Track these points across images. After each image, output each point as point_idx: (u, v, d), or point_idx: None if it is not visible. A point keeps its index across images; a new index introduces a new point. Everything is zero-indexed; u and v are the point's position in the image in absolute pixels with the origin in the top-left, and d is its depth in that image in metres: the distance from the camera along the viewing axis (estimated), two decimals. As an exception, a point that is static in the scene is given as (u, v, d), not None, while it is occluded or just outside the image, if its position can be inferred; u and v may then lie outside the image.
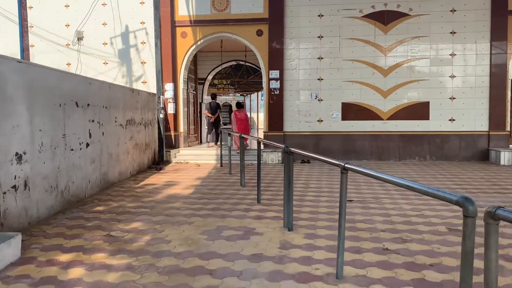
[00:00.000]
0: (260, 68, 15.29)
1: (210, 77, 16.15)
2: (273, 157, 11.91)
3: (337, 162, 3.66)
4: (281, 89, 12.43)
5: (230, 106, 40.10)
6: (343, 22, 12.21)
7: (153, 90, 12.27)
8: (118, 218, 5.74)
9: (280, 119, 12.47)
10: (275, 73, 12.43)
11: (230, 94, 34.30)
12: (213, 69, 15.89)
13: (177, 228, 5.25)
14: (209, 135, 14.41)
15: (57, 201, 6.05)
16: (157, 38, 11.53)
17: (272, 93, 12.47)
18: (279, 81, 12.42)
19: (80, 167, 6.86)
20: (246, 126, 13.71)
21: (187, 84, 13.52)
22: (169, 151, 12.17)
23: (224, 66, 15.90)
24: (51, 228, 5.28)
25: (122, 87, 9.25)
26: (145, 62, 13.06)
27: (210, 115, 14.27)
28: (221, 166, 11.24)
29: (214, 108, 14.22)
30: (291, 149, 5.00)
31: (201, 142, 15.39)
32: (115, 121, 8.62)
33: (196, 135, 14.62)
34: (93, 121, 7.40)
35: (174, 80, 12.85)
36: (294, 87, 12.47)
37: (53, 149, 5.91)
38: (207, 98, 16.41)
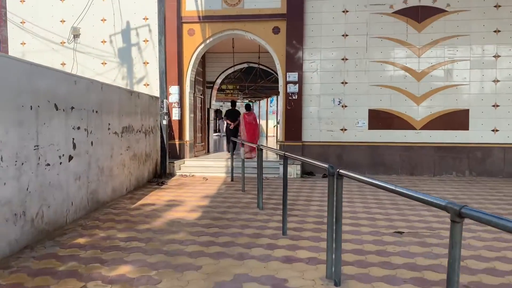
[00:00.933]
0: (274, 72, 13.94)
1: (219, 80, 14.80)
2: (291, 171, 10.48)
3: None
4: (299, 93, 11.03)
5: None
6: (371, 18, 10.81)
7: (156, 93, 10.90)
8: (102, 258, 4.32)
9: (299, 127, 11.05)
10: (293, 76, 11.03)
11: (238, 100, 32.97)
12: (223, 72, 14.54)
13: (179, 277, 3.82)
14: (228, 144, 13.28)
15: (24, 233, 4.65)
16: (161, 35, 10.19)
17: (290, 98, 11.07)
18: (297, 84, 11.03)
19: (60, 186, 5.46)
20: (254, 130, 12.74)
21: (194, 87, 12.16)
22: (173, 162, 10.78)
23: (235, 68, 14.54)
24: (7, 274, 3.87)
25: (117, 88, 7.88)
26: (147, 63, 11.72)
27: (230, 122, 13.47)
28: (232, 180, 9.82)
29: (235, 116, 13.43)
30: (341, 171, 3.56)
31: (208, 151, 14.01)
32: (109, 129, 7.25)
33: (203, 144, 13.24)
34: (78, 128, 6.01)
35: (180, 83, 11.49)
36: (315, 92, 11.06)
37: (18, 165, 4.52)
38: (215, 104, 15.04)
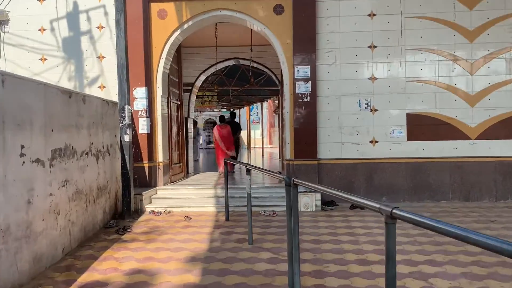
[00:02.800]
0: (267, 70, 11.01)
1: (198, 82, 11.74)
2: (307, 201, 7.50)
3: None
4: (313, 94, 8.13)
5: (215, 123, 35.76)
6: (406, -8, 8.07)
7: (116, 98, 7.76)
8: None
9: (313, 140, 8.13)
10: (303, 71, 8.13)
11: (215, 109, 29.92)
12: (203, 71, 11.49)
13: None
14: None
15: None
16: (120, 13, 7.10)
17: (300, 100, 8.14)
18: (309, 82, 8.12)
19: None
20: (229, 141, 10.82)
21: (168, 90, 9.08)
22: (141, 194, 7.64)
23: (218, 67, 11.51)
24: None
25: (40, 85, 4.72)
26: (103, 57, 8.59)
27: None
28: (227, 219, 6.78)
29: (235, 129, 11.58)
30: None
31: (187, 173, 10.89)
32: (22, 155, 4.12)
33: (181, 164, 10.12)
34: None
35: (148, 83, 8.40)
36: (333, 91, 8.18)
37: None
38: (196, 114, 11.99)
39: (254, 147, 26.27)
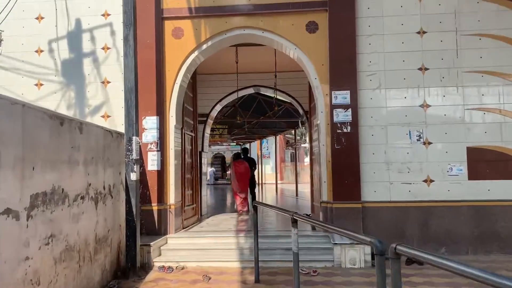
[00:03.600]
0: (290, 98, 9.84)
1: (214, 113, 10.54)
2: (354, 256, 6.07)
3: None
4: (354, 123, 6.86)
5: (223, 158, 34.46)
6: (461, 5, 6.93)
7: (122, 128, 6.52)
8: None
9: (355, 179, 6.79)
10: (342, 96, 6.90)
11: (224, 143, 28.78)
12: (220, 101, 10.30)
13: None
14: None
15: None
16: (129, 28, 5.97)
17: (339, 131, 6.87)
18: (350, 110, 6.88)
19: None
20: (245, 181, 10.41)
21: (183, 119, 7.87)
22: (149, 245, 6.26)
23: (237, 95, 10.32)
24: None
25: (15, 105, 3.45)
26: (108, 82, 7.44)
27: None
28: (257, 281, 5.35)
29: (250, 165, 10.90)
30: None
31: (201, 215, 9.50)
32: (-19, 204, 2.82)
33: (194, 206, 8.76)
34: None
35: (160, 112, 7.19)
36: (378, 120, 6.92)
37: None
38: (212, 148, 10.76)
39: (265, 183, 24.78)
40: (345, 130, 6.85)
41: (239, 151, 13.60)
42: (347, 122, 6.86)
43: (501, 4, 6.81)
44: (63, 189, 4.19)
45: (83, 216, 4.65)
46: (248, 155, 12.21)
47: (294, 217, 3.96)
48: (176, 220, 7.32)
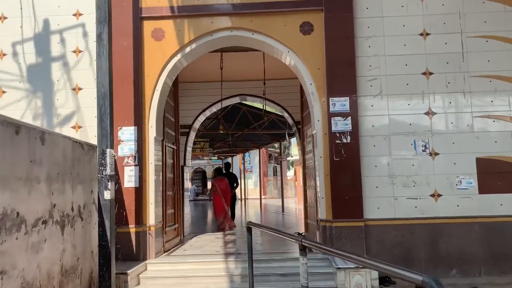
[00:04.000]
0: (280, 108, 9.22)
1: (197, 124, 9.79)
2: (359, 281, 5.37)
3: None
4: (354, 133, 6.24)
5: (204, 172, 33.51)
6: (466, 6, 6.46)
7: (94, 140, 5.70)
8: None
9: (356, 195, 6.14)
10: (340, 104, 6.28)
11: (204, 157, 27.95)
12: (204, 110, 9.56)
13: None
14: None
15: None
16: (102, 26, 5.23)
17: (338, 141, 6.23)
18: (349, 118, 6.26)
19: None
20: (227, 198, 10.21)
21: (163, 131, 7.12)
22: (126, 274, 5.44)
23: (222, 105, 9.59)
24: None
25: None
26: (80, 89, 6.66)
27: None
28: (254, 315, 4.60)
29: (232, 181, 10.76)
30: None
31: (183, 236, 8.67)
32: None
33: (176, 226, 7.95)
34: None
35: (138, 121, 6.43)
36: (380, 129, 6.32)
37: None
38: (192, 163, 10.02)
39: (247, 198, 23.96)
40: (344, 141, 6.22)
41: (221, 166, 13.03)
42: (347, 132, 6.23)
43: (509, 5, 6.35)
44: (18, 213, 3.39)
45: (46, 245, 3.84)
46: (230, 170, 11.86)
47: (303, 244, 3.25)
48: (157, 243, 6.50)
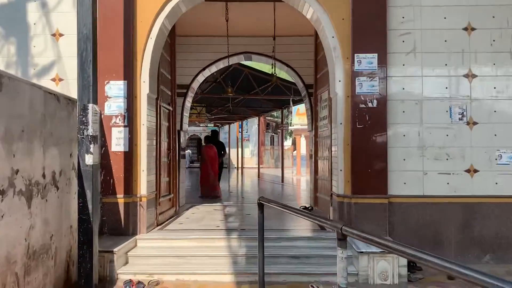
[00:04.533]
0: (290, 71, 8.26)
1: (196, 84, 8.82)
2: (385, 268, 4.60)
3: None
4: (382, 96, 5.35)
5: (199, 139, 32.58)
6: (519, -51, 5.46)
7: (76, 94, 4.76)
8: None
9: (381, 168, 5.31)
10: (367, 61, 5.36)
11: (201, 124, 26.97)
12: (204, 69, 8.55)
13: None
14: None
15: None
16: (84, -49, 4.20)
17: (362, 105, 5.34)
18: (376, 78, 5.35)
19: None
20: (215, 165, 10.02)
21: (158, 88, 6.18)
22: (112, 252, 4.65)
23: (224, 63, 8.59)
24: None
25: None
26: (61, 35, 5.68)
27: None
28: (264, 306, 3.82)
29: (220, 150, 10.70)
30: None
31: (179, 206, 7.87)
32: None
33: (171, 196, 7.13)
34: None
35: (129, 75, 5.49)
36: (411, 93, 5.43)
37: None
38: (190, 129, 9.15)
39: (243, 167, 23.19)
40: (370, 105, 5.34)
41: (209, 134, 12.41)
42: (373, 95, 5.34)
43: None
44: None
45: (3, 222, 2.98)
46: (218, 138, 11.67)
47: (343, 232, 2.41)
48: (149, 215, 5.69)
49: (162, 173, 6.43)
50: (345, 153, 5.43)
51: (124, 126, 5.45)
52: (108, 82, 5.45)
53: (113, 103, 5.47)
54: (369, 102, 5.34)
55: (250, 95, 12.75)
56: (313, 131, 7.62)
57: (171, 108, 7.21)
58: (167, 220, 6.61)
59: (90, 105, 4.21)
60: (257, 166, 24.69)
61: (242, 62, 11.57)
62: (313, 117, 7.36)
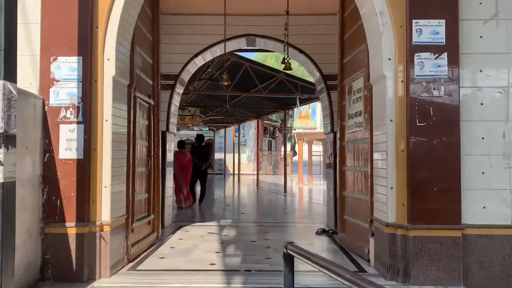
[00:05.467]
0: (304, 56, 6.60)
1: (186, 75, 7.10)
2: None
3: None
4: (452, 81, 3.68)
5: (194, 144, 30.84)
6: None
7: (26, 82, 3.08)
8: None
9: (451, 185, 3.64)
10: (431, 30, 3.71)
11: (195, 128, 25.23)
12: (196, 56, 6.84)
13: None
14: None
15: None
16: None
17: (424, 95, 3.68)
18: (445, 55, 3.69)
19: None
20: (188, 174, 9.36)
21: (132, 71, 4.47)
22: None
23: (217, 49, 6.88)
24: None
25: None
26: (-8, -7, 3.93)
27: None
28: None
29: (205, 155, 10.05)
30: None
31: (163, 227, 6.16)
32: None
33: (152, 217, 5.39)
34: None
35: (85, 49, 3.78)
36: (493, 78, 3.77)
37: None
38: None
39: (240, 174, 21.42)
40: (435, 94, 3.68)
41: (183, 139, 10.98)
42: (440, 79, 3.68)
43: None
44: None
45: None
46: (203, 143, 10.64)
47: None
48: (115, 250, 3.98)
49: (137, 189, 4.72)
50: (397, 163, 3.76)
51: (78, 123, 3.75)
52: (55, 59, 3.76)
53: (62, 89, 3.77)
54: (434, 89, 3.68)
55: (251, 93, 11.06)
56: (337, 132, 5.95)
57: (152, 102, 5.50)
58: (144, 251, 4.90)
59: (2, 82, 2.52)
60: (254, 172, 23.07)
61: (242, 55, 9.96)
62: (338, 115, 5.67)
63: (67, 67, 3.77)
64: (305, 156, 21.33)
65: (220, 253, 4.88)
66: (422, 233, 3.63)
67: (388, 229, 3.78)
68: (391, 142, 3.80)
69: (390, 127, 3.82)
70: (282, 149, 33.61)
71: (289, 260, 2.22)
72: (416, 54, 3.70)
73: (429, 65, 3.68)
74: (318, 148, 26.90)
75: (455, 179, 3.65)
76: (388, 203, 3.79)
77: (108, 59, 3.89)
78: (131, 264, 4.32)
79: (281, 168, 27.34)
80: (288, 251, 2.18)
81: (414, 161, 3.67)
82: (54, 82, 3.76)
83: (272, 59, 25.07)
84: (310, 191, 15.21)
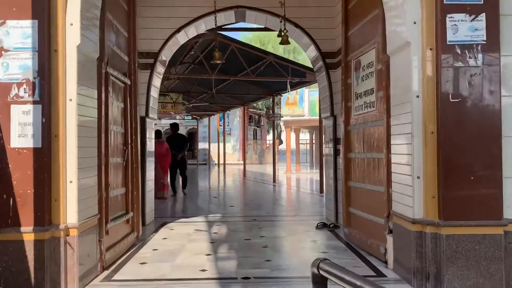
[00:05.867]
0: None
1: (167, 54, 6.33)
2: None
3: None
4: (493, 48, 3.06)
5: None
6: None
7: None
8: None
9: (490, 174, 3.03)
10: (465, -13, 3.05)
11: (177, 116, 24.35)
12: (177, 31, 6.07)
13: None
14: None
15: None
16: None
17: (458, 64, 3.04)
18: (483, 16, 3.06)
19: None
20: (166, 164, 8.88)
21: (103, 44, 3.71)
22: None
23: (202, 23, 6.12)
24: None
25: None
26: None
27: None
28: None
29: (180, 144, 9.60)
30: None
31: (144, 224, 5.45)
32: None
33: (131, 215, 4.68)
34: None
35: (42, 12, 3.03)
36: (539, 45, 3.15)
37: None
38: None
39: (225, 164, 20.70)
40: (471, 63, 3.06)
41: (159, 129, 10.31)
42: (477, 45, 3.05)
43: None
44: None
45: None
46: (178, 132, 10.28)
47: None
48: (84, 257, 3.27)
49: (111, 183, 3.99)
50: (426, 148, 3.13)
51: (34, 102, 3.02)
52: (3, 23, 3.01)
53: (13, 60, 3.02)
54: (469, 58, 3.05)
55: (238, 77, 10.34)
56: (337, 116, 5.30)
57: (128, 82, 4.75)
58: (123, 254, 4.19)
59: None
60: (240, 162, 22.40)
61: (228, 35, 9.19)
62: (342, 95, 5.00)
63: (18, 33, 3.02)
64: (293, 145, 20.73)
65: (211, 256, 4.20)
66: (457, 231, 3.03)
67: (415, 227, 3.16)
68: (418, 123, 3.17)
69: (416, 104, 3.18)
70: (268, 138, 33.05)
71: (320, 284, 1.56)
72: (448, 16, 3.06)
73: (464, 29, 3.05)
74: (305, 136, 26.33)
75: (495, 165, 3.04)
76: (415, 195, 3.17)
77: (72, 24, 3.14)
78: (106, 273, 3.62)
79: (267, 158, 26.84)
80: (321, 271, 1.52)
81: (447, 145, 3.06)
82: (3, 52, 3.01)
83: (257, 43, 24.29)
84: (298, 180, 14.67)
